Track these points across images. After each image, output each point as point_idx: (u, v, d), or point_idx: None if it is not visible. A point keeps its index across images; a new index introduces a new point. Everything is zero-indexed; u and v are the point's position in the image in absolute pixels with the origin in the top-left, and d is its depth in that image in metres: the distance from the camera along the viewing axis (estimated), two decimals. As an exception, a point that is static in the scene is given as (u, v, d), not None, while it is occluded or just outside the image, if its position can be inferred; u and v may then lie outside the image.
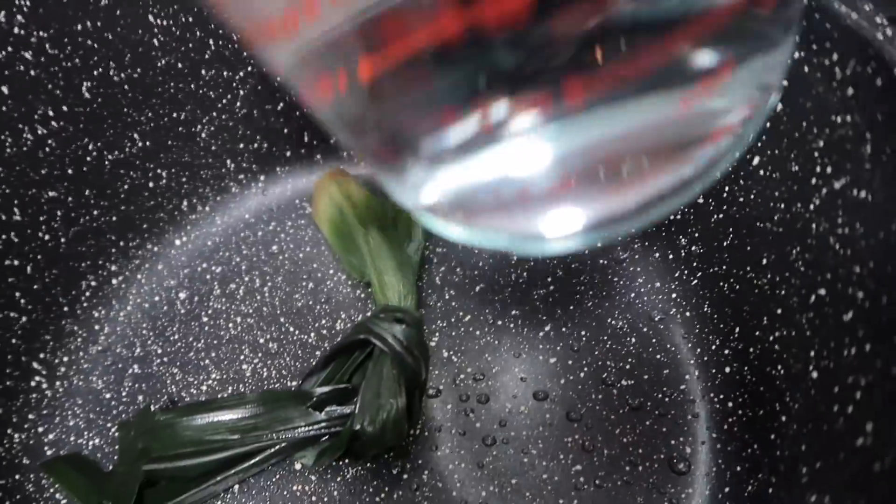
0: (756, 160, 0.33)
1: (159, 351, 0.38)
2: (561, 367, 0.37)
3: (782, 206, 0.32)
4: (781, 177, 0.32)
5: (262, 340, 0.38)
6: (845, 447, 0.25)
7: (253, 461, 0.32)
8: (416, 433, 0.34)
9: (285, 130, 0.45)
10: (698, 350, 0.36)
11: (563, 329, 0.38)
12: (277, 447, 0.32)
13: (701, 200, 0.37)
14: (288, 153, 0.45)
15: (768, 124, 0.32)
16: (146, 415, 0.34)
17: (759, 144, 0.33)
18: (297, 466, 0.34)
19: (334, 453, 0.32)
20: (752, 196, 0.34)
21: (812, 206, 0.30)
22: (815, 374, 0.29)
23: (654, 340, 0.37)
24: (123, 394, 0.37)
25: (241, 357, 0.38)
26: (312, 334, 0.38)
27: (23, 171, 0.35)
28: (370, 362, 0.33)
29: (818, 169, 0.30)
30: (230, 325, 0.39)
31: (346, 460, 0.34)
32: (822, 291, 0.29)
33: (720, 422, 0.34)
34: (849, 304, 0.27)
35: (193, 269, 0.41)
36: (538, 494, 0.33)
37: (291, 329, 0.39)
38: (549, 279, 0.40)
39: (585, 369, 0.36)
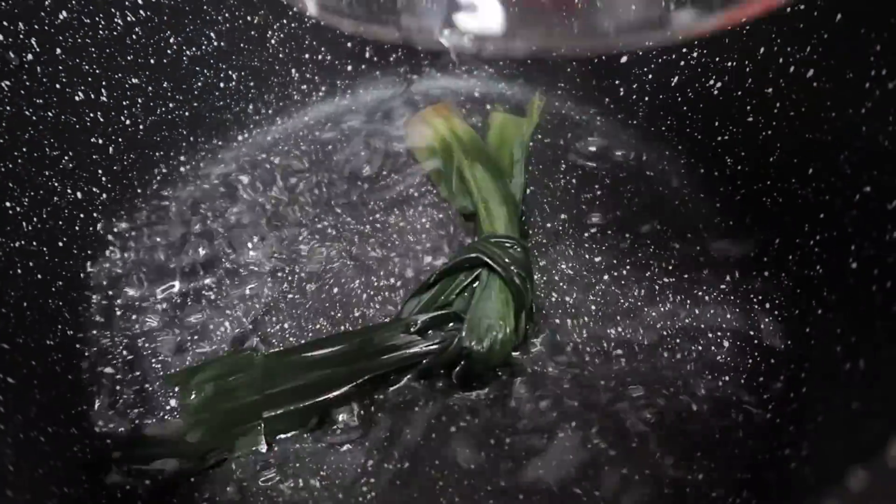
0: (810, 72, 0.34)
1: (220, 230, 0.40)
2: (605, 264, 0.38)
3: (833, 114, 0.33)
4: (835, 85, 0.33)
5: (319, 226, 0.40)
6: (883, 316, 0.26)
7: (360, 380, 0.33)
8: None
9: (348, 45, 0.47)
10: (739, 256, 0.38)
11: (609, 232, 0.39)
12: (384, 370, 0.33)
13: (750, 119, 0.38)
14: (349, 67, 0.47)
15: (825, 36, 0.33)
16: (246, 359, 0.34)
17: (815, 57, 0.34)
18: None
19: (442, 369, 0.33)
20: (804, 109, 0.35)
21: (864, 110, 0.31)
22: (854, 265, 0.30)
23: (696, 246, 0.38)
24: (184, 265, 0.39)
25: (300, 238, 0.40)
26: (367, 226, 0.40)
27: (112, 54, 0.38)
28: (477, 285, 0.34)
29: (873, 72, 0.31)
30: (289, 210, 0.41)
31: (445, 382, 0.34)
32: (868, 189, 0.30)
33: (757, 321, 0.35)
34: (894, 193, 0.28)
35: (254, 158, 0.44)
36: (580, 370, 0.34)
37: (348, 219, 0.41)
38: (597, 185, 0.41)
39: (628, 267, 0.38)
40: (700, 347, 0.35)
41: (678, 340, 0.36)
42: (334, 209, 0.41)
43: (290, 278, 0.39)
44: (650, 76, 0.43)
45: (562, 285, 0.38)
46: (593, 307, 0.37)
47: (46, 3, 0.34)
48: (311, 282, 0.38)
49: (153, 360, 0.36)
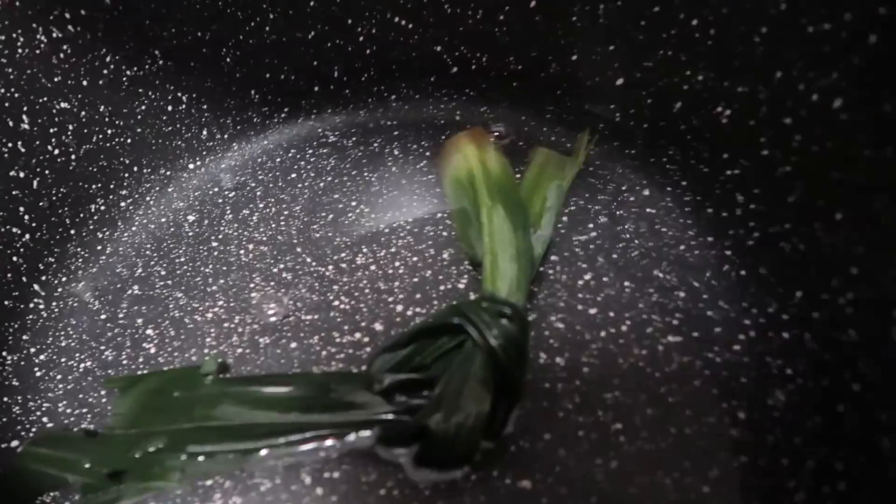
0: (837, 102, 0.30)
1: (163, 273, 0.35)
2: (602, 318, 0.33)
3: (868, 151, 0.28)
4: (867, 118, 0.28)
5: (275, 269, 0.35)
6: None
7: (305, 435, 0.29)
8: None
9: (314, 63, 0.42)
10: (753, 311, 0.33)
11: (605, 279, 0.35)
12: (333, 429, 0.29)
13: (766, 152, 0.34)
14: (316, 87, 0.43)
15: (856, 60, 0.29)
16: (193, 376, 0.31)
17: (843, 84, 0.29)
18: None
19: (394, 443, 0.28)
20: (830, 144, 0.30)
21: (904, 149, 0.26)
22: (897, 335, 0.25)
23: (705, 297, 0.34)
24: (120, 315, 0.34)
25: (252, 285, 0.35)
26: (331, 267, 0.36)
27: (34, 75, 0.33)
28: (458, 354, 0.29)
29: (913, 106, 0.26)
30: (241, 251, 0.36)
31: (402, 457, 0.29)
32: (911, 243, 0.26)
33: (777, 389, 0.30)
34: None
35: (205, 192, 0.39)
36: (573, 452, 0.29)
37: (308, 260, 0.36)
38: (591, 225, 0.36)
39: (628, 322, 0.33)
40: (713, 420, 0.30)
41: (687, 412, 0.31)
42: (294, 248, 0.36)
43: (239, 330, 0.34)
44: (650, 100, 0.38)
45: (552, 343, 0.33)
46: (587, 370, 0.32)
47: (-50, 16, 0.29)
48: (264, 335, 0.33)
49: (75, 428, 0.31)
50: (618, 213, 0.38)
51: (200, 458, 0.28)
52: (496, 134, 0.41)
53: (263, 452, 0.28)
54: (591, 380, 0.32)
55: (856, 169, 0.29)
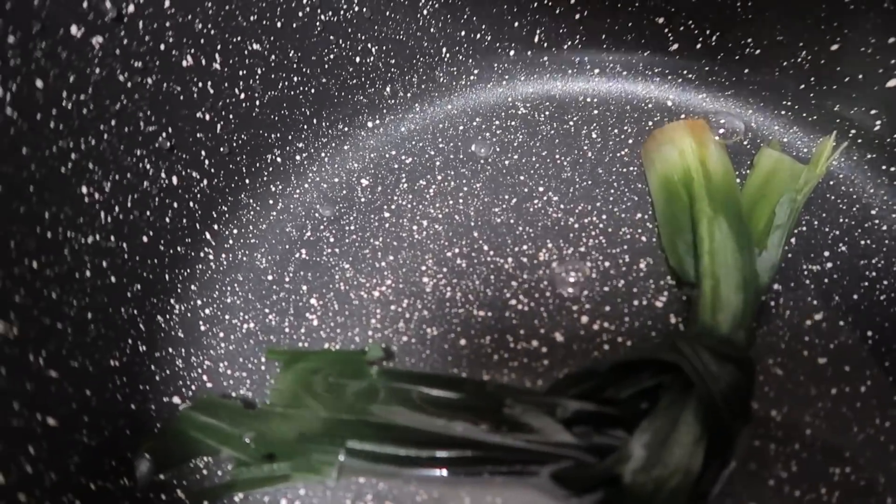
0: None
1: (332, 240, 0.33)
2: (834, 371, 0.27)
3: None
4: None
5: (449, 254, 0.32)
6: None
7: (470, 454, 0.25)
8: None
9: (515, 24, 0.37)
10: None
11: (841, 323, 0.28)
12: (501, 452, 0.25)
13: None
14: (511, 51, 0.38)
15: None
16: (358, 362, 0.29)
17: None
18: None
19: (575, 486, 0.24)
20: None
21: None
22: None
23: None
24: (286, 279, 0.32)
25: (423, 268, 0.32)
26: (510, 259, 0.32)
27: (231, 12, 0.31)
28: (665, 396, 0.25)
29: None
30: (415, 227, 0.33)
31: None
32: None
33: None
34: None
35: (381, 154, 0.36)
36: None
37: (485, 248, 0.32)
38: (827, 253, 0.30)
39: (868, 382, 0.27)
40: (971, 526, 0.24)
41: (937, 508, 0.25)
42: (471, 231, 0.33)
43: (406, 316, 0.31)
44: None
45: (767, 391, 0.27)
46: (810, 432, 0.26)
47: (158, -58, 0.27)
48: (432, 325, 0.30)
49: (234, 394, 0.29)
50: (863, 242, 0.31)
51: (358, 456, 0.26)
52: (721, 131, 0.35)
53: (425, 464, 0.25)
54: (813, 446, 0.26)
55: None
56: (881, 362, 0.28)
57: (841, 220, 0.32)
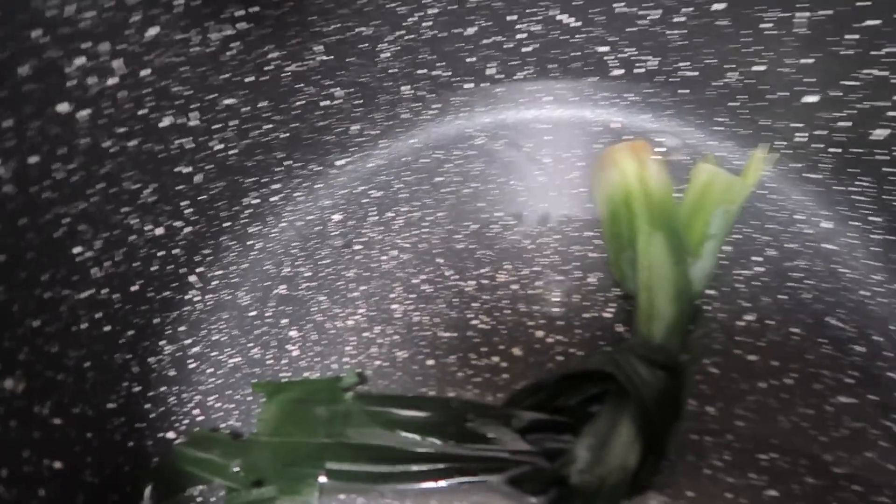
0: None
1: (308, 274, 0.36)
2: (762, 368, 0.30)
3: None
4: None
5: (416, 280, 0.35)
6: None
7: (437, 467, 0.28)
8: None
9: (469, 60, 0.40)
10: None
11: (769, 322, 0.31)
12: (466, 462, 0.28)
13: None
14: (469, 84, 0.41)
15: None
16: (334, 389, 0.32)
17: None
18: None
19: (529, 489, 0.27)
20: None
21: None
22: None
23: (887, 354, 0.30)
24: (267, 314, 0.35)
25: (392, 295, 0.35)
26: (471, 282, 0.35)
27: (205, 73, 0.34)
28: (607, 402, 0.28)
29: None
30: (383, 257, 0.36)
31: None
32: None
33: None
34: None
35: (351, 190, 0.39)
36: (716, 520, 0.27)
37: (449, 273, 0.35)
38: (758, 258, 0.33)
39: (794, 375, 0.30)
40: (888, 501, 0.27)
41: (854, 487, 0.27)
42: (435, 258, 0.36)
43: (379, 341, 0.34)
44: (846, 123, 0.33)
45: (704, 389, 0.30)
46: (741, 424, 0.29)
47: (133, 19, 0.30)
48: (402, 349, 0.33)
49: (223, 425, 0.32)
50: (789, 246, 0.34)
51: (336, 476, 0.29)
52: (661, 149, 0.38)
53: (397, 478, 0.28)
54: (745, 436, 0.29)
55: None
56: (804, 356, 0.31)
57: (769, 227, 0.35)
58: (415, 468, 0.28)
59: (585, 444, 0.26)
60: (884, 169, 0.33)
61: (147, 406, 0.32)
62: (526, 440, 0.28)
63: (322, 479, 0.29)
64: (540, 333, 0.33)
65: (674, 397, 0.27)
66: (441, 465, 0.28)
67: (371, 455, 0.29)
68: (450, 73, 0.41)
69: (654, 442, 0.26)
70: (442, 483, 0.28)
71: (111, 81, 0.30)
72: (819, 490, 0.28)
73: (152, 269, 0.33)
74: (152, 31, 0.31)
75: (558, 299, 0.34)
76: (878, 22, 0.30)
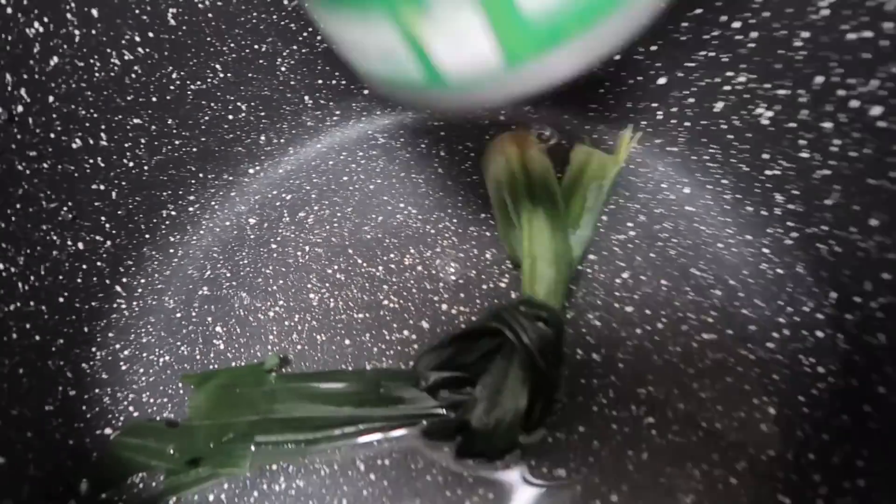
0: (877, 110, 0.30)
1: (228, 274, 0.39)
2: (638, 316, 0.35)
3: (902, 158, 0.29)
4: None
5: (329, 270, 0.38)
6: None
7: (358, 427, 0.32)
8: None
9: (364, 66, 0.44)
10: (788, 310, 0.34)
11: (642, 277, 0.36)
12: (383, 422, 0.32)
13: (805, 154, 0.34)
14: (365, 89, 0.45)
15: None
16: (258, 372, 0.34)
17: (883, 93, 0.30)
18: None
19: (439, 437, 0.31)
20: (867, 150, 0.31)
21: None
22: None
23: (740, 295, 0.35)
24: (193, 314, 0.37)
25: (309, 286, 0.38)
26: (380, 268, 0.38)
27: (110, 96, 0.36)
28: (498, 355, 0.31)
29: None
30: (298, 253, 0.39)
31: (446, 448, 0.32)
32: (942, 252, 0.26)
33: (808, 386, 0.32)
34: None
35: (264, 195, 0.42)
36: (607, 444, 0.31)
37: (359, 261, 0.38)
38: (630, 224, 0.38)
39: (664, 320, 0.34)
40: (743, 415, 0.32)
41: (718, 407, 0.32)
42: (346, 249, 0.39)
43: (299, 328, 0.37)
44: (692, 100, 0.39)
45: (589, 340, 0.35)
46: (622, 366, 0.34)
47: (35, 50, 0.32)
48: (321, 332, 0.36)
49: (158, 417, 0.34)
50: (656, 211, 0.39)
51: (267, 448, 0.31)
52: (540, 135, 0.42)
53: (322, 443, 0.31)
54: (625, 375, 0.33)
55: (891, 176, 0.29)
56: (672, 303, 0.35)
57: (639, 196, 0.40)
58: (337, 432, 0.31)
59: (482, 393, 0.30)
60: (727, 137, 0.38)
61: (83, 407, 0.34)
62: (433, 397, 0.31)
63: (252, 449, 0.31)
64: (444, 307, 0.36)
65: (555, 345, 0.31)
66: (361, 426, 0.31)
67: (296, 426, 0.32)
68: (346, 82, 0.44)
69: (541, 385, 0.30)
70: (363, 439, 0.31)
71: (20, 108, 0.32)
72: (689, 413, 0.32)
73: (77, 281, 0.35)
74: (53, 61, 0.34)
75: (459, 275, 0.37)
76: (701, 11, 0.35)
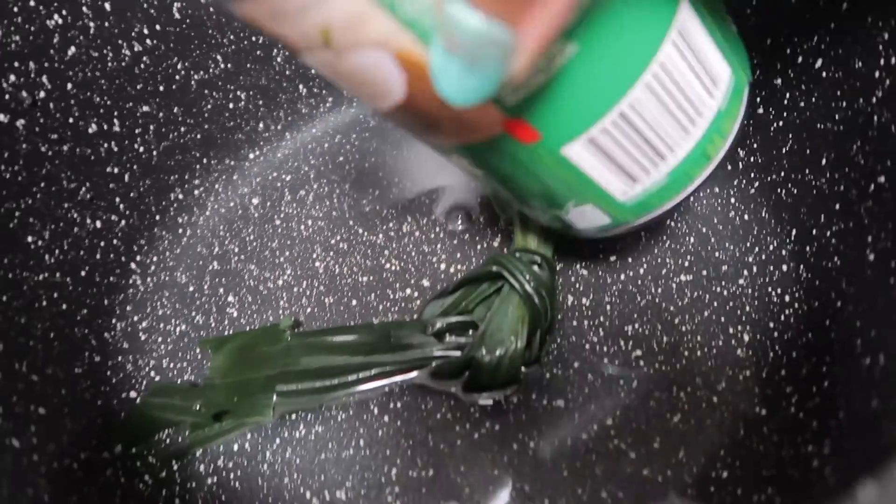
0: (819, 62, 0.34)
1: (236, 250, 0.41)
2: (621, 263, 0.38)
3: (844, 103, 0.33)
4: (844, 75, 0.33)
5: (332, 241, 0.41)
6: (901, 309, 0.26)
7: (371, 372, 0.34)
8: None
9: (353, 57, 0.47)
10: (756, 250, 0.37)
11: (622, 231, 0.39)
12: (394, 366, 0.35)
13: (760, 110, 0.38)
14: (356, 79, 0.48)
15: (832, 26, 0.33)
16: (274, 332, 0.37)
17: (822, 47, 0.33)
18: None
19: (447, 376, 0.34)
20: (814, 99, 0.35)
21: (875, 100, 0.31)
22: (871, 257, 0.30)
23: (712, 240, 0.38)
24: (205, 287, 0.40)
25: (314, 256, 0.40)
26: (381, 235, 0.41)
27: (121, 84, 0.39)
28: (497, 298, 0.34)
29: (882, 62, 0.30)
30: (301, 227, 0.42)
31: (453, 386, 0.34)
32: (882, 179, 0.30)
33: (776, 314, 0.35)
34: (908, 182, 0.28)
35: (265, 178, 0.44)
36: (600, 376, 0.34)
37: (360, 231, 0.41)
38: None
39: (645, 265, 0.38)
40: (721, 343, 0.35)
41: (698, 338, 0.35)
42: (347, 221, 0.42)
43: (308, 293, 0.39)
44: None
45: (578, 286, 0.38)
46: (609, 307, 0.37)
47: (55, 40, 0.35)
48: (329, 295, 0.39)
49: (179, 381, 0.37)
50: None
51: (287, 396, 0.34)
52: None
53: (339, 389, 0.34)
54: (612, 316, 0.37)
55: (836, 119, 0.33)
56: (652, 251, 0.39)
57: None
58: (352, 378, 0.34)
59: (486, 332, 0.33)
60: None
61: (108, 373, 0.36)
62: (441, 341, 0.34)
63: (275, 398, 0.34)
64: (443, 266, 0.39)
65: (549, 287, 0.34)
66: (374, 371, 0.34)
67: (314, 375, 0.34)
68: (339, 70, 0.47)
69: (539, 323, 0.33)
70: (376, 384, 0.34)
71: (42, 94, 0.35)
72: (672, 344, 0.35)
73: (97, 257, 0.37)
74: (71, 51, 0.36)
75: (455, 237, 0.40)
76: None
